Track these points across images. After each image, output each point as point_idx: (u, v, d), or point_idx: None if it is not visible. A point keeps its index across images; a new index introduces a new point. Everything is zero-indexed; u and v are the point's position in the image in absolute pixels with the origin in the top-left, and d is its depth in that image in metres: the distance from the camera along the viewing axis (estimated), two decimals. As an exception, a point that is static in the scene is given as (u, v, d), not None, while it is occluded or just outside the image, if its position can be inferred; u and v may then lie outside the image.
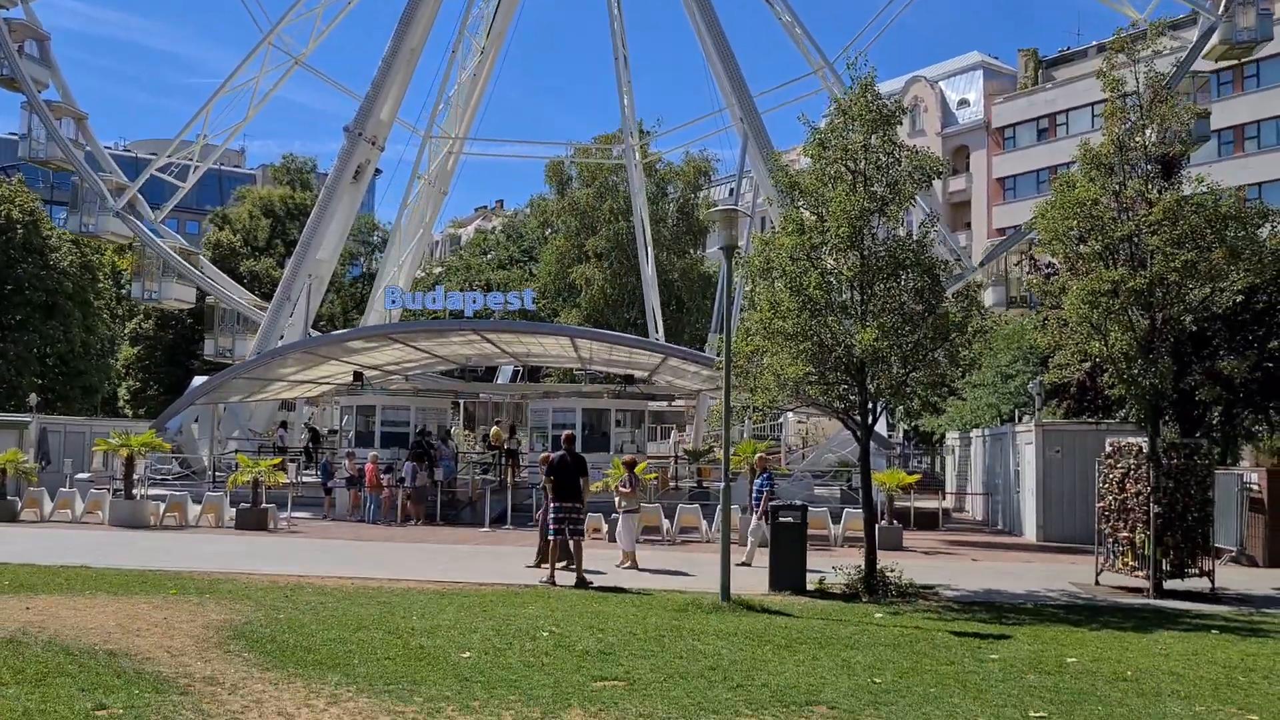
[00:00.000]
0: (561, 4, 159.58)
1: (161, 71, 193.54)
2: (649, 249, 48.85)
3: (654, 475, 27.16)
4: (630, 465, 19.16)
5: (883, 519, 23.18)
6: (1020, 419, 29.69)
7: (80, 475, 31.65)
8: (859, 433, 16.28)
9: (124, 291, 62.75)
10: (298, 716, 8.03)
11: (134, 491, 26.14)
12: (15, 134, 46.36)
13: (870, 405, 15.97)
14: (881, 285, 15.40)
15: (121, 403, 62.92)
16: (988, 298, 39.61)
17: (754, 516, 19.62)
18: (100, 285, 55.56)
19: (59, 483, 29.65)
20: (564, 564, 17.08)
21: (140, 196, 44.22)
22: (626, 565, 18.27)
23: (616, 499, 19.15)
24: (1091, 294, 15.60)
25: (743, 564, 18.67)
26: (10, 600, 13.07)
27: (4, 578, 15.25)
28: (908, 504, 27.45)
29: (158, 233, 44.64)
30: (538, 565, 17.75)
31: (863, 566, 15.79)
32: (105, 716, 7.78)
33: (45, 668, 9.21)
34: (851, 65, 15.85)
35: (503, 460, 31.40)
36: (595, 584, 16.00)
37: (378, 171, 51.64)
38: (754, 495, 19.74)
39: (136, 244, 44.94)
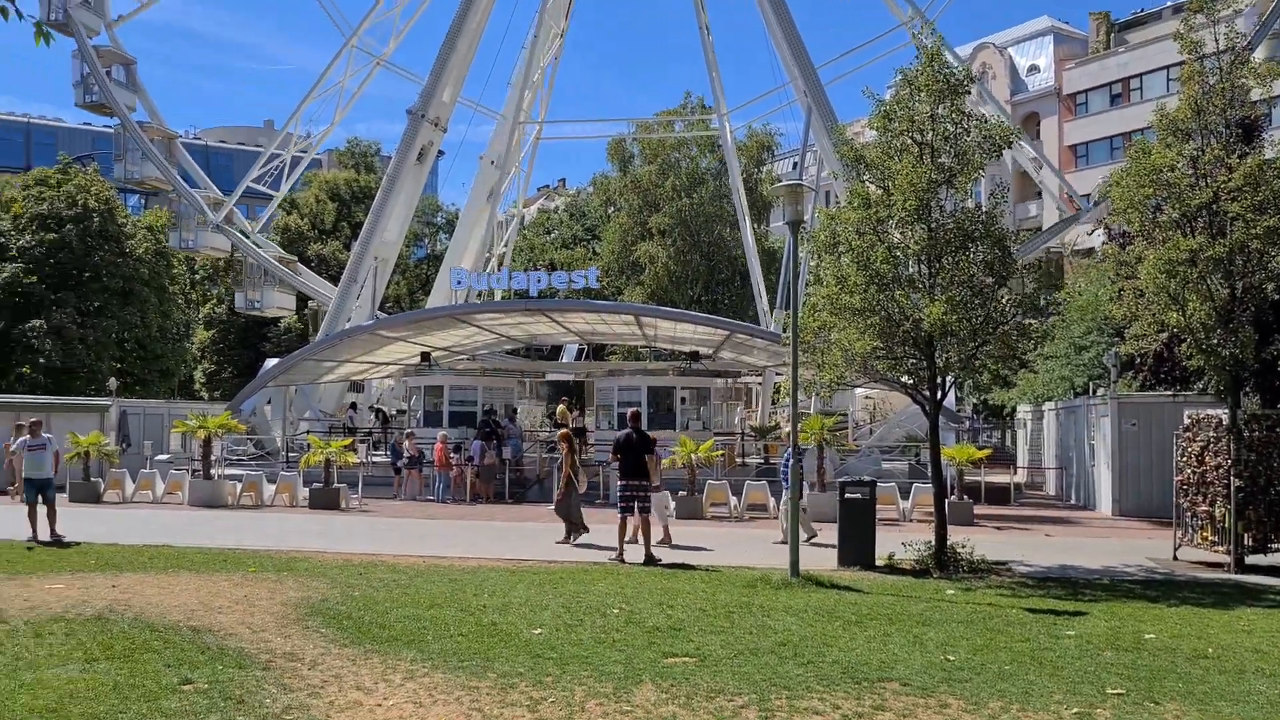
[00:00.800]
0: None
1: (221, 57, 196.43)
2: (747, 218, 48.87)
3: (720, 453, 27.15)
4: (652, 442, 19.21)
5: (953, 494, 22.93)
6: (1094, 391, 29.10)
7: (160, 456, 32.42)
8: (928, 407, 16.09)
9: (196, 276, 64.19)
10: (375, 691, 8.19)
11: (212, 472, 26.73)
12: (88, 123, 47.58)
13: (939, 380, 15.77)
14: (950, 258, 15.16)
15: (197, 385, 64.39)
16: (1096, 240, 38.97)
17: (783, 493, 19.48)
18: (174, 270, 56.78)
19: (140, 464, 30.41)
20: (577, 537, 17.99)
21: (235, 210, 45.13)
22: (661, 541, 18.39)
23: None
24: (1169, 263, 15.20)
25: (808, 539, 18.68)
26: (97, 578, 13.48)
27: (90, 557, 15.73)
28: (978, 479, 27.10)
29: (249, 241, 45.57)
30: (566, 540, 18.19)
31: (933, 542, 15.65)
32: (191, 691, 8.00)
33: (132, 643, 9.50)
34: (917, 35, 15.53)
35: (569, 438, 31.54)
36: (664, 560, 16.05)
37: (440, 153, 52.16)
38: (782, 471, 19.64)
39: (237, 254, 45.90)
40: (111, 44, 44.23)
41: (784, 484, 19.22)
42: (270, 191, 46.44)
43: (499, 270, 42.70)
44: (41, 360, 47.71)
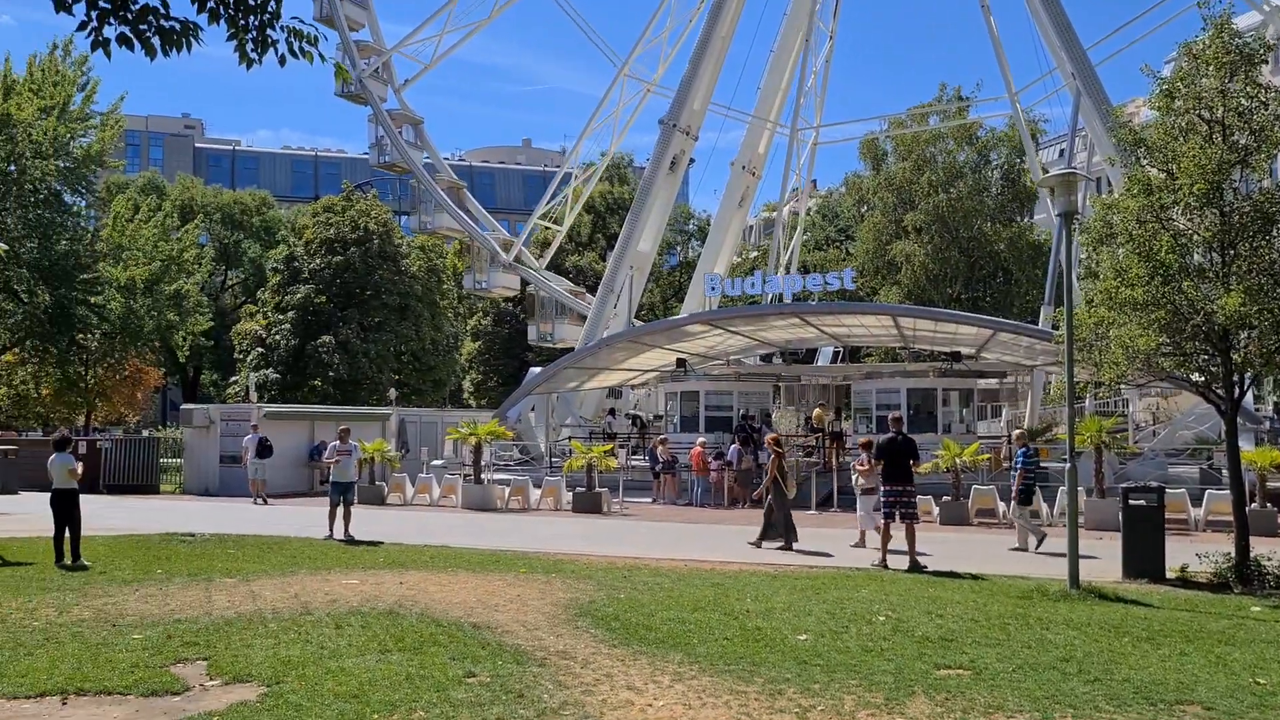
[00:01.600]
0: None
1: (477, 80, 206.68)
2: (1049, 199, 47.24)
3: (986, 456, 26.06)
4: (867, 445, 18.91)
5: (1253, 501, 21.00)
6: None
7: (435, 462, 34.36)
8: (1223, 407, 14.78)
9: (464, 291, 68.04)
10: (645, 691, 8.31)
11: (482, 476, 28.08)
12: (367, 153, 51.33)
13: (1236, 377, 14.46)
14: (1246, 244, 13.85)
15: (466, 394, 68.08)
16: None
17: (1011, 499, 18.61)
18: (445, 286, 60.32)
19: (417, 469, 32.32)
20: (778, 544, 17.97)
21: (524, 249, 47.70)
22: (856, 544, 18.37)
23: (855, 478, 19.07)
24: None
25: (1016, 548, 18.10)
26: (387, 576, 14.42)
27: (379, 555, 16.88)
28: (1283, 484, 24.68)
29: (540, 277, 47.97)
30: (758, 544, 18.21)
31: (1232, 554, 14.36)
32: (475, 683, 8.39)
33: (421, 637, 10.07)
34: (1202, 4, 14.31)
35: (826, 442, 31.17)
36: (930, 568, 15.54)
37: (691, 160, 52.98)
38: (1012, 473, 18.73)
39: (530, 289, 48.45)
40: (401, 107, 47.76)
41: (1017, 487, 18.45)
42: (556, 227, 48.63)
43: (786, 274, 42.78)
44: (331, 373, 51.84)
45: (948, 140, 55.16)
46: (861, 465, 18.63)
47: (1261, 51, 14.09)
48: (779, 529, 18.33)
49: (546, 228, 49.57)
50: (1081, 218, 16.61)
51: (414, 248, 59.56)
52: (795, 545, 18.11)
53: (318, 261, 54.78)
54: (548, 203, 47.93)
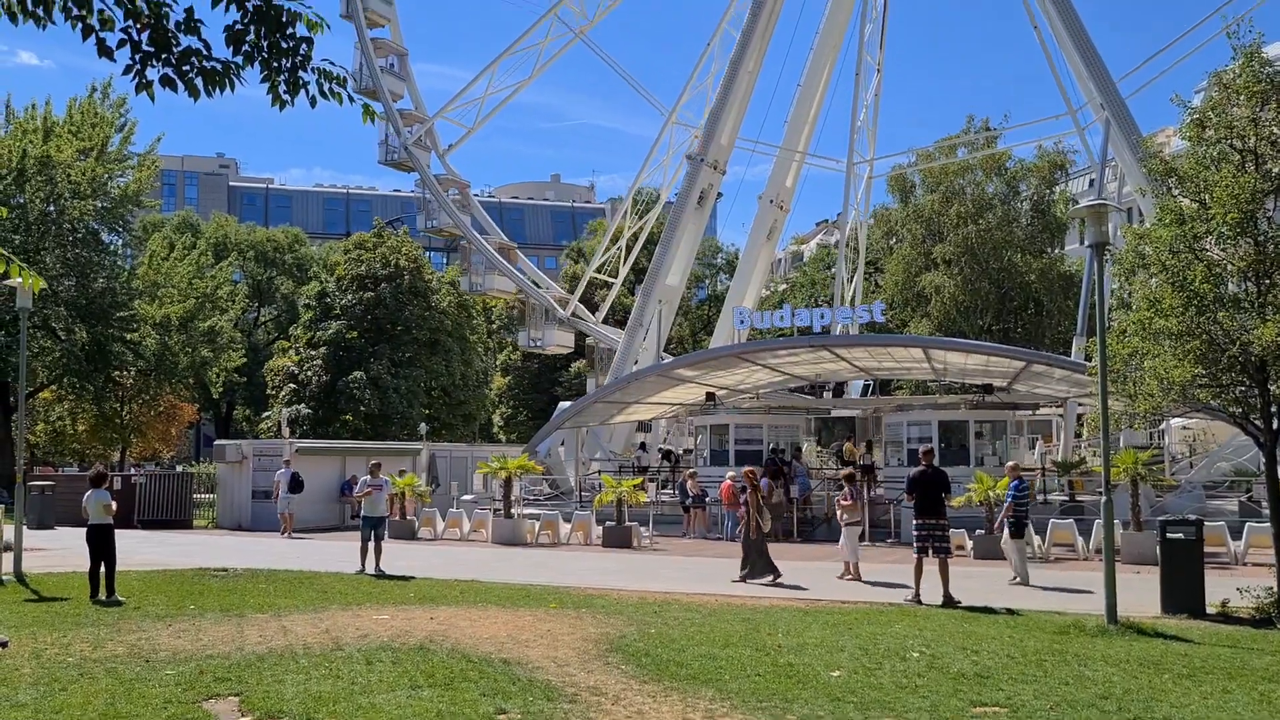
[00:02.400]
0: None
1: (503, 116, 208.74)
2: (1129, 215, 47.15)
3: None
4: (850, 479, 19.11)
5: (1294, 535, 20.63)
6: None
7: (465, 496, 34.37)
8: (1262, 439, 14.57)
9: (494, 326, 68.32)
10: (678, 729, 8.24)
11: (512, 511, 28.05)
12: (399, 189, 52.22)
13: (1275, 408, 14.26)
14: (1282, 273, 13.73)
15: (495, 429, 68.21)
16: None
17: (1005, 530, 18.51)
18: (475, 322, 60.64)
19: (448, 503, 32.33)
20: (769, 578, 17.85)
21: (579, 304, 48.19)
22: (848, 578, 18.36)
23: (839, 512, 19.09)
24: None
25: (1015, 581, 17.81)
26: (417, 611, 14.41)
27: (410, 590, 16.87)
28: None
29: (599, 329, 48.36)
30: (743, 579, 18.04)
31: (1274, 588, 14.10)
32: (506, 720, 8.35)
33: (451, 673, 10.04)
34: (1232, 34, 14.27)
35: (857, 475, 30.93)
36: (964, 603, 15.35)
37: (719, 194, 53.23)
38: (1007, 502, 18.64)
39: (588, 341, 48.90)
40: (446, 171, 48.55)
41: (1006, 519, 18.33)
42: (610, 279, 49.11)
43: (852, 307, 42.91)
44: (362, 408, 52.14)
45: (976, 172, 55.09)
46: (845, 501, 18.70)
47: (1294, 80, 14.00)
48: (756, 559, 18.26)
49: (604, 281, 50.08)
50: (1113, 248, 16.51)
51: (444, 283, 60.01)
52: (748, 578, 18.06)
53: (349, 298, 55.27)
54: (602, 255, 48.66)
